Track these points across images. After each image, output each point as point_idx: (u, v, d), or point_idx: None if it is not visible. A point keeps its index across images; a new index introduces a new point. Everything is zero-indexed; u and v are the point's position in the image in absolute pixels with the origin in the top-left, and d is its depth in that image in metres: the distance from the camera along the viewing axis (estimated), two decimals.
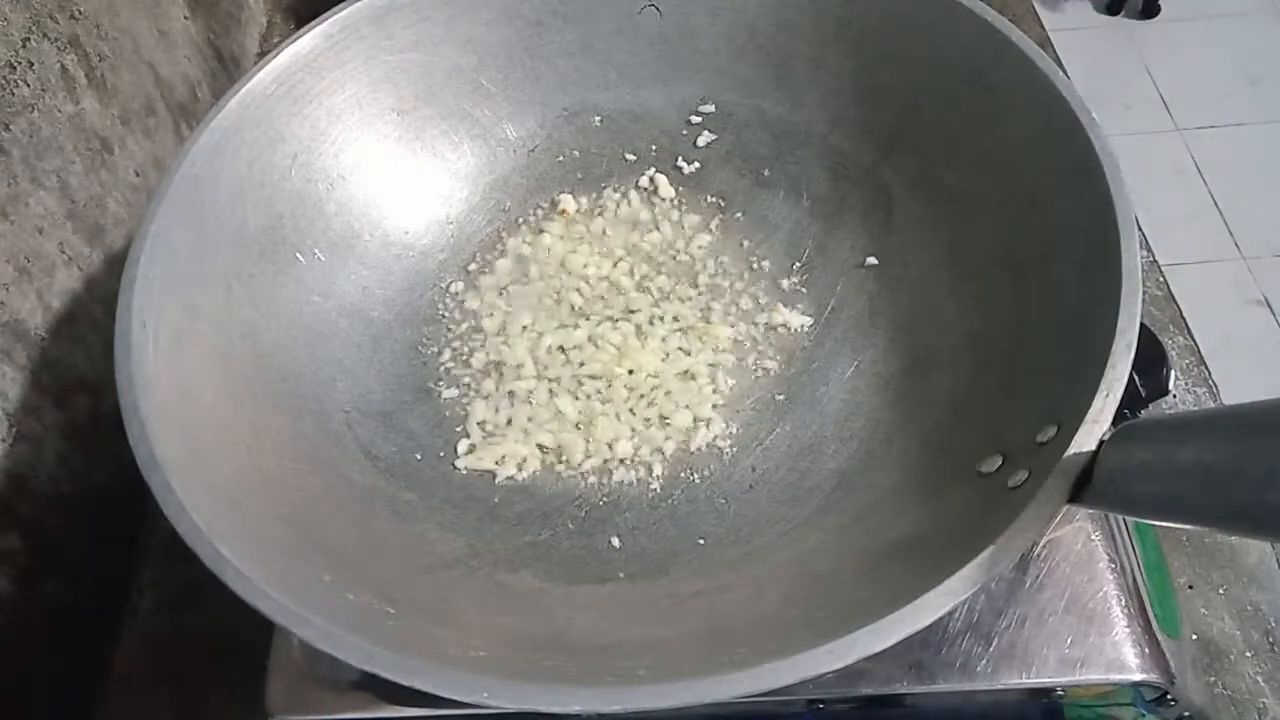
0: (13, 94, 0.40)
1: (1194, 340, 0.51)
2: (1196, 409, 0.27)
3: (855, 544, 0.34)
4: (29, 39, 0.41)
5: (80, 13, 0.45)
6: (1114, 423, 0.27)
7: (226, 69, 0.63)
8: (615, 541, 0.37)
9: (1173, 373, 0.35)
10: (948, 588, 0.25)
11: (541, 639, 0.32)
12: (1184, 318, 0.52)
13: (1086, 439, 0.27)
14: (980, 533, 0.26)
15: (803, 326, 0.43)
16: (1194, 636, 0.40)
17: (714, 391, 0.41)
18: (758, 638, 0.30)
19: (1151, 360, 0.34)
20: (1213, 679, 0.39)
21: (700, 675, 0.25)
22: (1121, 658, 0.31)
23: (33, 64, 0.41)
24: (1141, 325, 0.29)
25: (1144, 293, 0.34)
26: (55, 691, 0.41)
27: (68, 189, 0.43)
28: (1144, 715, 0.33)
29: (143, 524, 0.46)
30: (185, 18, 0.57)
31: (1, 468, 0.39)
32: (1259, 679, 0.39)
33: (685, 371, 0.42)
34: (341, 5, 0.43)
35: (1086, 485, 0.27)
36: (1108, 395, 0.28)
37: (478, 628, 0.32)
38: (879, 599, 0.26)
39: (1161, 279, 0.53)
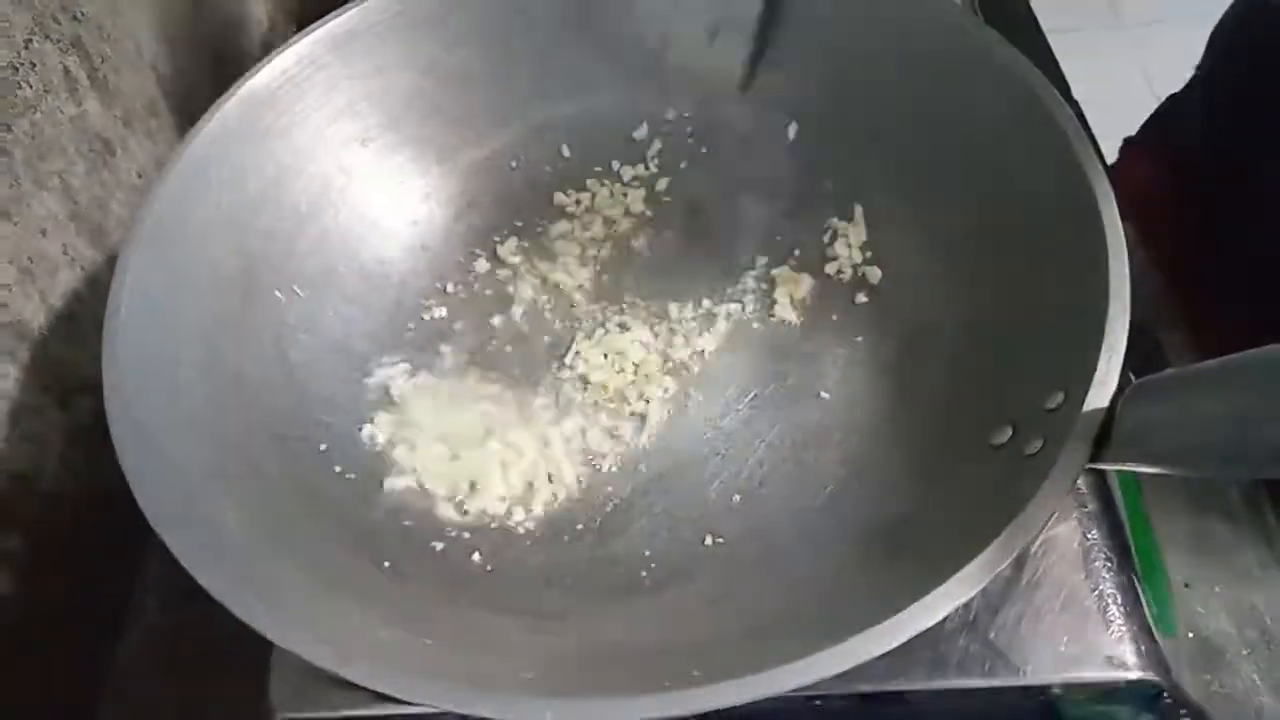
0: (15, 95, 0.40)
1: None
2: (1209, 361, 0.27)
3: (874, 529, 0.34)
4: (31, 40, 0.41)
5: (83, 14, 0.45)
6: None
7: (229, 71, 0.63)
8: (635, 551, 0.37)
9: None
10: (986, 558, 0.26)
11: (585, 655, 0.32)
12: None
13: (1098, 399, 0.28)
14: (1006, 501, 0.27)
15: (795, 320, 0.43)
16: (1190, 635, 0.40)
17: (713, 390, 0.41)
18: (798, 629, 0.30)
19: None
20: (1209, 677, 0.39)
21: (754, 671, 0.25)
22: (1118, 656, 0.31)
23: (35, 65, 0.41)
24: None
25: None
26: (55, 691, 0.41)
27: (70, 190, 0.43)
28: (1141, 714, 0.33)
29: (144, 524, 0.46)
30: (188, 19, 0.57)
31: (5, 468, 0.39)
32: (1255, 677, 0.39)
33: (683, 372, 0.42)
34: (297, 36, 0.42)
35: (1106, 444, 0.27)
36: (1111, 356, 0.28)
37: (520, 651, 0.32)
38: (917, 579, 0.26)
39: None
